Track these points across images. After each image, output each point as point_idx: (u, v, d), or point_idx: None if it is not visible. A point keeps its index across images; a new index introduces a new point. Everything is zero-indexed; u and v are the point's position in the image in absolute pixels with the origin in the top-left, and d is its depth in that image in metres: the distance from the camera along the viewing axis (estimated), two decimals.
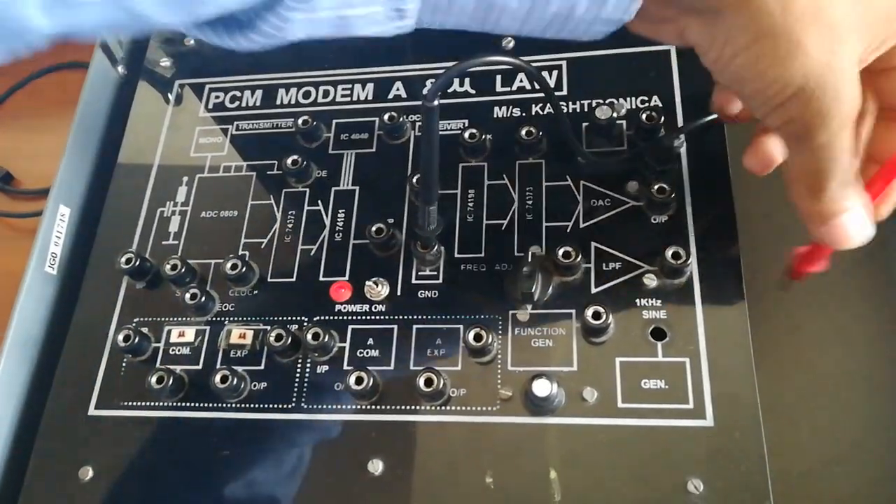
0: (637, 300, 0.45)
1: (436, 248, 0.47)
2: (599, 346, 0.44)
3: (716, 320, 0.43)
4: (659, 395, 0.42)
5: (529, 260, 0.45)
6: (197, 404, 0.46)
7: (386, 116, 0.52)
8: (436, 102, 0.34)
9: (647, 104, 0.51)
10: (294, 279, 0.49)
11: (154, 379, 0.46)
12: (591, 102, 0.51)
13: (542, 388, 0.41)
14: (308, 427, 0.45)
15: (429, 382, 0.43)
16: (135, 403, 0.47)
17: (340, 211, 0.51)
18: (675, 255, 0.44)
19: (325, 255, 0.50)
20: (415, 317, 0.47)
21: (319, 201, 0.52)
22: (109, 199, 0.55)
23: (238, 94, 0.58)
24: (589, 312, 0.43)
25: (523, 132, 0.49)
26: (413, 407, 0.44)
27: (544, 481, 0.41)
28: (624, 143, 0.50)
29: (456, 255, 0.48)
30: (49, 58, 0.71)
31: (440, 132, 0.52)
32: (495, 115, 0.53)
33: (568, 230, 0.47)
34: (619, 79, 0.52)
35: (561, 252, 0.45)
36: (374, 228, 0.48)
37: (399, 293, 0.48)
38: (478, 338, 0.44)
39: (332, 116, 0.55)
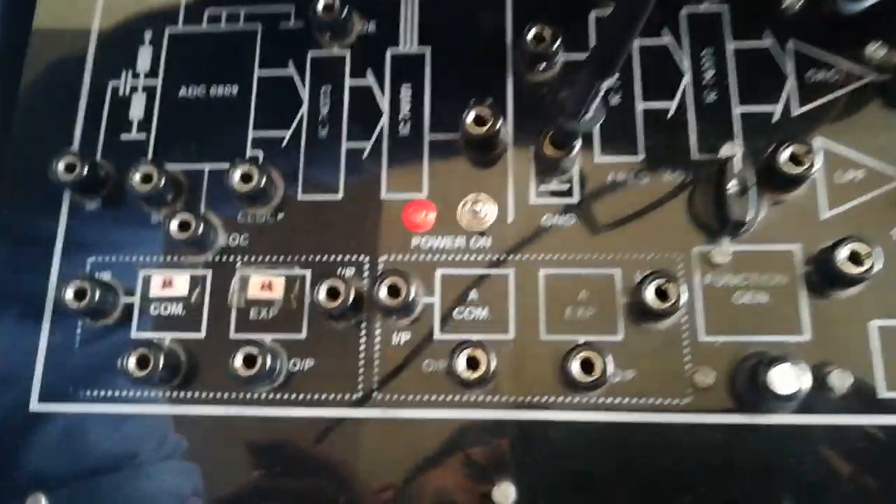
0: (894, 230, 0.29)
1: (576, 148, 0.29)
2: (843, 303, 0.28)
3: None
4: None
5: (738, 167, 0.28)
6: (202, 395, 0.30)
7: None
8: None
9: None
10: (340, 195, 0.31)
11: (133, 361, 0.28)
12: None
13: (784, 380, 0.25)
14: (385, 430, 0.28)
15: (588, 366, 0.27)
16: (101, 393, 0.30)
17: (404, 86, 0.33)
18: None
19: (385, 157, 0.32)
20: (541, 256, 0.30)
21: (369, 71, 0.33)
22: (27, 71, 0.35)
23: None
24: (843, 254, 0.27)
25: None
26: (553, 399, 0.28)
27: None
28: None
29: (598, 159, 0.31)
30: None
31: None
32: None
33: (774, 119, 0.30)
34: None
35: (787, 154, 0.28)
36: (472, 116, 0.30)
37: (512, 218, 0.30)
38: (662, 295, 0.27)
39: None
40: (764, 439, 0.27)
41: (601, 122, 0.27)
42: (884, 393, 0.27)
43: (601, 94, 0.25)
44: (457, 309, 0.30)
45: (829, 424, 0.27)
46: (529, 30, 0.31)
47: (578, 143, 0.29)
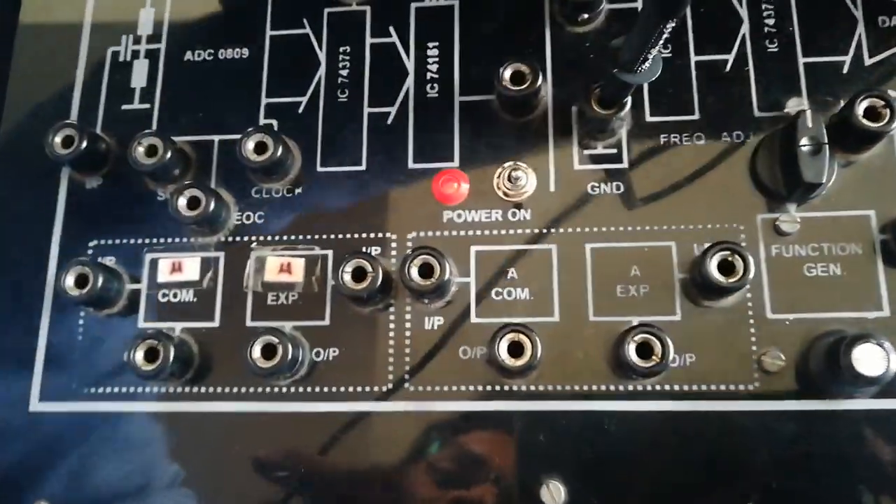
0: None
1: (626, 106, 0.26)
2: None
3: None
4: None
5: (810, 123, 0.25)
6: (217, 391, 0.27)
7: None
8: None
9: None
10: (363, 166, 0.29)
11: (141, 354, 0.26)
12: None
13: (870, 361, 0.23)
14: (417, 424, 0.26)
15: (645, 350, 0.24)
16: (106, 390, 0.28)
17: (430, 45, 0.30)
18: None
19: (412, 123, 0.29)
20: (587, 229, 0.27)
21: (392, 28, 0.30)
22: (19, 36, 0.32)
23: None
24: None
25: None
26: (605, 388, 0.26)
27: None
28: None
29: (649, 119, 0.28)
30: None
31: None
32: None
33: (844, 70, 0.27)
34: None
35: (863, 108, 0.25)
36: (508, 72, 0.27)
37: (553, 188, 0.28)
38: (726, 268, 0.25)
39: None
40: (840, 426, 0.25)
41: (658, 74, 0.24)
42: None
43: (665, 37, 0.22)
44: (495, 289, 0.27)
45: None
46: None
47: (629, 102, 0.26)
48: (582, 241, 0.27)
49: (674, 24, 0.21)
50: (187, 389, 0.27)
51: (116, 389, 0.28)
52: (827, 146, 0.25)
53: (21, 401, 0.28)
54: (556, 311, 0.26)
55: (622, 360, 0.24)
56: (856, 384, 0.23)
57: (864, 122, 0.25)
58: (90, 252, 0.29)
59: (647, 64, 0.23)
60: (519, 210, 0.28)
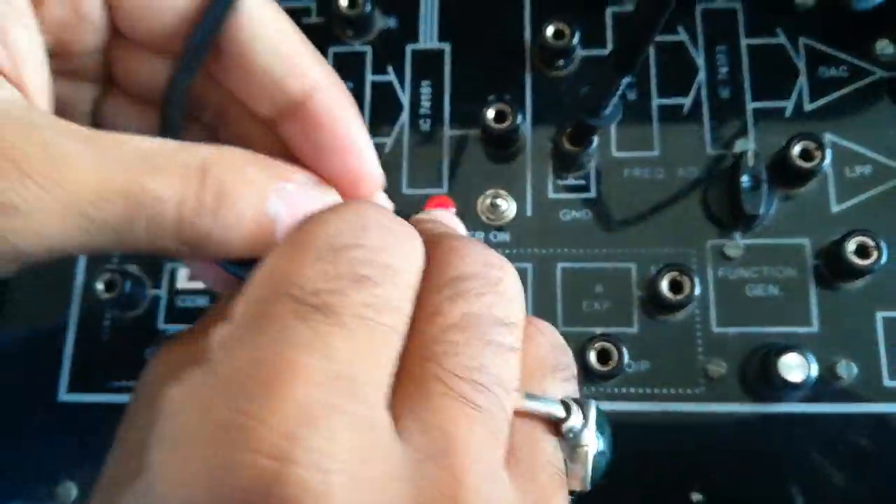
0: None
1: (593, 144, 0.30)
2: (850, 294, 0.29)
3: None
4: None
5: (751, 162, 0.28)
6: None
7: None
8: None
9: None
10: None
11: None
12: None
13: (795, 370, 0.26)
14: None
15: (604, 357, 0.28)
16: (128, 384, 0.31)
17: (424, 83, 0.33)
18: None
19: (406, 153, 0.33)
20: (558, 250, 0.31)
21: (390, 67, 0.34)
22: None
23: None
24: (851, 246, 0.28)
25: None
26: None
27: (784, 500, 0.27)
28: None
29: (615, 154, 0.32)
30: None
31: None
32: None
33: (786, 114, 0.31)
34: None
35: (798, 149, 0.29)
36: (492, 112, 0.31)
37: (530, 213, 0.31)
38: (676, 287, 0.28)
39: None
40: (773, 427, 0.28)
41: (619, 118, 0.28)
42: (889, 381, 0.28)
43: (621, 90, 0.26)
44: None
45: (837, 413, 0.28)
46: (549, 26, 0.32)
47: (595, 140, 0.30)
48: (554, 261, 0.31)
49: (629, 79, 0.25)
50: None
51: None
52: (765, 182, 0.29)
53: (50, 391, 0.31)
54: None
55: (585, 364, 0.28)
56: (783, 389, 0.27)
57: (799, 161, 0.29)
58: (116, 259, 0.32)
59: (608, 110, 0.27)
60: (499, 232, 0.31)
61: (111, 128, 0.17)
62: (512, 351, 0.17)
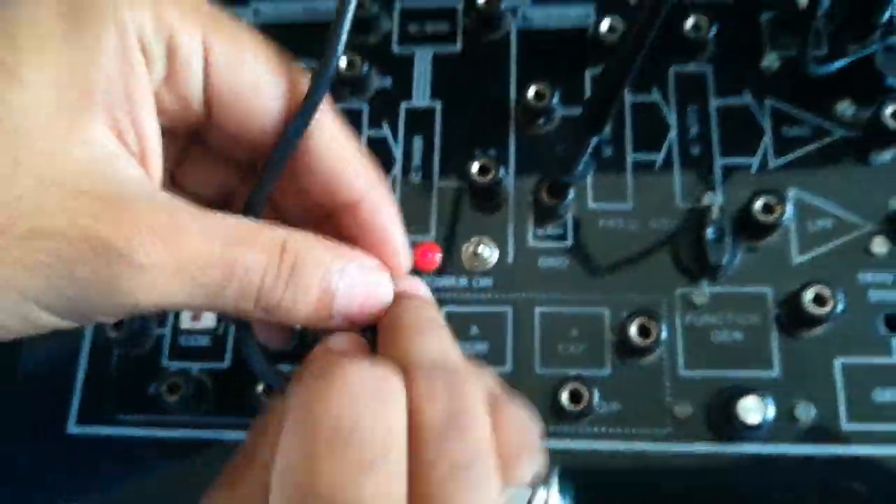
0: (859, 275, 0.31)
1: (569, 196, 0.32)
2: (810, 341, 0.31)
3: None
4: None
5: (715, 215, 0.31)
6: (226, 421, 0.33)
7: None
8: None
9: None
10: None
11: (166, 387, 0.32)
12: None
13: (753, 412, 0.28)
14: None
15: (576, 397, 0.30)
16: (134, 418, 0.33)
17: (416, 138, 0.36)
18: None
19: (397, 202, 0.35)
20: (537, 295, 0.33)
21: (385, 123, 0.36)
22: None
23: None
24: (808, 295, 0.30)
25: (687, 24, 0.34)
26: (546, 427, 0.31)
27: None
28: (823, 44, 0.35)
29: (591, 206, 0.34)
30: None
31: (547, 25, 0.37)
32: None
33: (752, 171, 0.33)
34: None
35: (760, 204, 0.31)
36: (476, 166, 0.33)
37: (511, 260, 0.33)
38: (644, 331, 0.30)
39: None
40: (736, 467, 0.30)
41: (591, 174, 0.30)
42: (847, 425, 0.30)
43: (590, 149, 0.28)
44: (459, 342, 0.33)
45: (797, 454, 0.30)
46: (530, 87, 0.34)
47: (571, 192, 0.32)
48: (532, 306, 0.33)
49: (598, 139, 0.28)
50: (200, 419, 0.33)
51: (141, 416, 0.33)
52: (728, 235, 0.31)
53: (56, 422, 0.33)
54: (509, 362, 0.32)
55: (557, 404, 0.30)
56: (743, 430, 0.29)
57: (761, 215, 0.31)
58: None
59: (580, 167, 0.29)
60: (482, 278, 0.33)
61: (183, 178, 0.23)
62: (490, 477, 0.19)
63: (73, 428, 0.33)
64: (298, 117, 0.22)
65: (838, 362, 0.30)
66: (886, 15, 0.33)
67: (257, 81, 0.22)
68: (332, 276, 0.21)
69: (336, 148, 0.23)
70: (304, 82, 0.22)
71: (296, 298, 0.21)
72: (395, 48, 0.38)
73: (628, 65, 0.23)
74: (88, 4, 0.19)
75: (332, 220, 0.24)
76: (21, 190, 0.17)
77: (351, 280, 0.22)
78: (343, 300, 0.21)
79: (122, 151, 0.19)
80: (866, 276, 0.31)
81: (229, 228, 0.20)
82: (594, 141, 0.28)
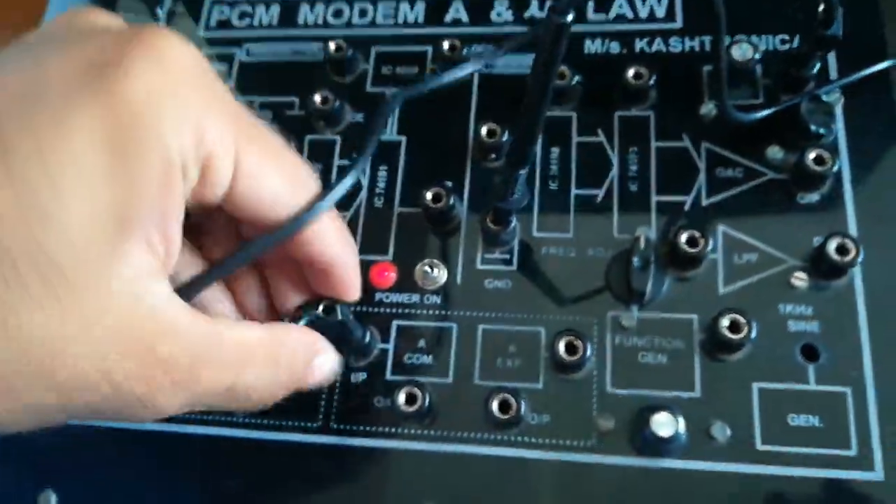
0: (780, 306, 0.34)
1: (512, 224, 0.35)
2: (730, 366, 0.33)
3: (887, 338, 0.32)
4: (811, 435, 0.32)
5: (642, 246, 0.33)
6: (193, 416, 0.35)
7: (445, 46, 0.40)
8: (570, 18, 0.22)
9: (788, 45, 0.39)
10: None
11: None
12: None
13: (664, 426, 0.30)
14: (337, 455, 0.34)
15: (505, 407, 0.32)
16: None
17: (382, 168, 0.39)
18: (842, 249, 0.32)
19: (361, 225, 0.38)
20: (481, 314, 0.35)
21: (355, 154, 0.40)
22: None
23: (248, 8, 0.45)
24: (724, 322, 0.32)
25: (630, 74, 0.37)
26: (478, 436, 0.33)
27: None
28: (759, 94, 0.38)
29: (535, 234, 0.37)
30: None
31: (507, 71, 0.41)
32: (586, 51, 0.40)
33: (686, 207, 0.36)
34: (751, 11, 0.39)
35: (684, 237, 0.34)
36: (430, 194, 0.36)
37: (460, 281, 0.36)
38: (571, 349, 0.33)
39: (371, 43, 0.43)
40: (654, 481, 0.32)
41: (525, 203, 0.33)
42: (762, 445, 0.32)
43: (519, 181, 0.31)
44: (406, 354, 0.35)
45: (713, 470, 0.31)
46: (483, 126, 0.38)
47: (514, 220, 0.35)
48: (476, 323, 0.35)
49: (523, 172, 0.31)
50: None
51: None
52: (653, 264, 0.33)
53: None
54: (451, 374, 0.34)
55: (488, 413, 0.32)
56: (658, 443, 0.31)
57: (685, 247, 0.34)
58: None
59: (515, 196, 0.32)
60: (432, 295, 0.36)
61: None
62: None
63: None
64: (295, 221, 0.25)
65: (756, 387, 0.32)
66: (814, 69, 0.36)
67: (276, 192, 0.24)
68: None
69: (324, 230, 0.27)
70: (316, 189, 0.26)
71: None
72: (369, 87, 0.41)
73: (536, 108, 0.27)
74: (132, 132, 0.19)
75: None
76: (66, 331, 0.19)
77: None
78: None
79: (153, 266, 0.20)
80: (786, 308, 0.34)
81: (240, 348, 0.24)
82: (523, 173, 0.31)
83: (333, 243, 0.27)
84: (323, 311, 0.30)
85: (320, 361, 0.28)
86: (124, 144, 0.19)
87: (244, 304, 0.29)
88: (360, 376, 0.35)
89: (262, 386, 0.25)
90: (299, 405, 0.34)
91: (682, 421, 0.30)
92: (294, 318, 0.29)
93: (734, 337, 0.32)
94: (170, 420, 0.35)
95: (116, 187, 0.19)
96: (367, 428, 0.34)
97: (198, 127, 0.21)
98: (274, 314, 0.30)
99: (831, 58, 0.38)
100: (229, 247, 0.28)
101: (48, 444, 0.36)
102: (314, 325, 0.29)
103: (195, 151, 0.21)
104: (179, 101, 0.20)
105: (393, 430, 0.34)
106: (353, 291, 0.29)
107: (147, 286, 0.20)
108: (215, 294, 0.28)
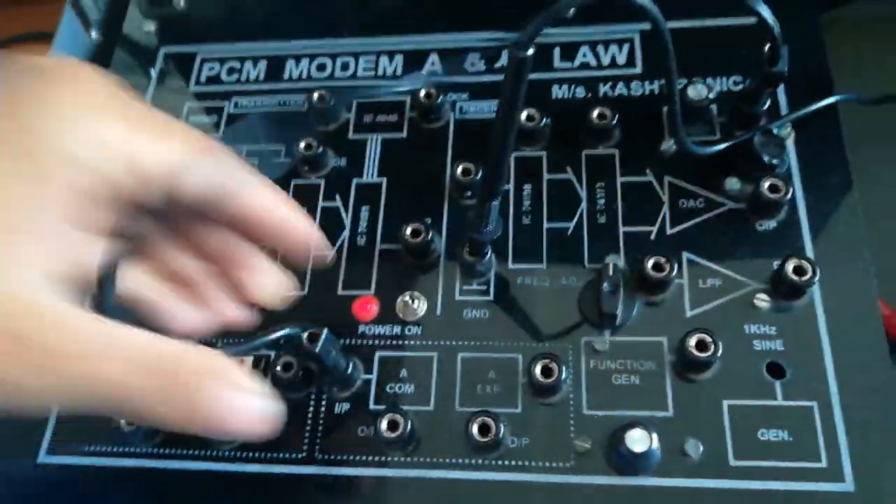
0: (745, 327, 0.35)
1: (488, 255, 0.37)
2: (701, 385, 0.34)
3: (849, 352, 0.34)
4: (781, 449, 0.33)
5: (611, 273, 0.35)
6: (178, 451, 0.36)
7: (421, 94, 0.42)
8: (530, 52, 0.24)
9: (741, 85, 0.42)
10: (305, 291, 0.39)
11: (124, 421, 0.36)
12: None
13: (638, 442, 0.31)
14: (323, 485, 0.35)
15: (484, 430, 0.33)
16: (99, 448, 0.37)
17: (363, 208, 0.41)
18: (799, 270, 0.34)
19: (344, 262, 0.40)
20: (460, 342, 0.37)
21: (338, 196, 0.42)
22: None
23: (237, 65, 0.48)
24: (692, 341, 0.33)
25: (594, 115, 0.40)
26: (461, 461, 0.34)
27: None
28: (716, 131, 0.40)
29: (511, 266, 0.38)
30: (8, 25, 0.60)
31: (480, 116, 0.43)
32: (554, 96, 0.43)
33: (652, 237, 0.38)
34: (705, 55, 0.42)
35: (651, 263, 0.35)
36: (409, 230, 0.38)
37: (439, 312, 0.38)
38: (546, 372, 0.34)
39: (352, 94, 0.45)
40: (632, 499, 0.32)
41: (499, 233, 0.35)
42: (734, 461, 0.33)
43: (492, 213, 0.33)
44: (388, 384, 0.36)
45: (688, 486, 0.32)
46: (459, 166, 0.40)
47: (489, 252, 0.37)
48: (456, 352, 0.37)
49: (495, 203, 0.33)
50: (156, 449, 0.36)
51: (106, 448, 0.37)
52: (621, 288, 0.35)
53: (27, 452, 0.37)
54: (432, 402, 0.36)
55: (468, 436, 0.33)
56: (633, 460, 0.32)
57: (652, 273, 0.35)
58: None
59: (489, 227, 0.34)
60: (413, 326, 0.38)
61: None
62: None
63: (43, 457, 0.37)
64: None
65: (726, 404, 0.34)
66: (765, 106, 0.39)
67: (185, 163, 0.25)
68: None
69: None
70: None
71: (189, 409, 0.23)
72: (351, 134, 0.44)
73: (501, 145, 0.29)
74: (21, 135, 0.22)
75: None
76: None
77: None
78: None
79: (32, 255, 0.22)
80: (751, 328, 0.35)
81: (119, 342, 0.22)
82: (496, 204, 0.33)
83: (266, 192, 0.28)
84: (307, 338, 0.31)
85: (237, 399, 0.23)
86: (14, 146, 0.22)
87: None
88: (344, 407, 0.36)
89: (150, 395, 0.22)
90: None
91: (655, 437, 0.31)
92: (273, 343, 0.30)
93: (702, 355, 0.33)
94: (152, 455, 0.36)
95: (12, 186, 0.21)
96: (352, 457, 0.35)
97: (97, 133, 0.23)
98: None
99: (781, 94, 0.41)
100: (220, 237, 0.29)
101: (45, 494, 0.36)
102: (299, 355, 0.30)
103: (97, 153, 0.23)
104: (79, 113, 0.23)
105: (377, 458, 0.35)
106: (308, 233, 0.30)
107: (21, 273, 0.21)
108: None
